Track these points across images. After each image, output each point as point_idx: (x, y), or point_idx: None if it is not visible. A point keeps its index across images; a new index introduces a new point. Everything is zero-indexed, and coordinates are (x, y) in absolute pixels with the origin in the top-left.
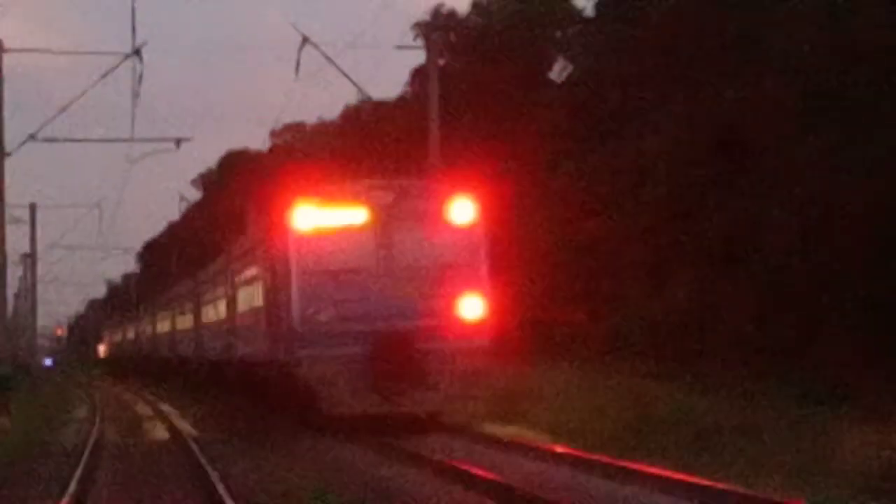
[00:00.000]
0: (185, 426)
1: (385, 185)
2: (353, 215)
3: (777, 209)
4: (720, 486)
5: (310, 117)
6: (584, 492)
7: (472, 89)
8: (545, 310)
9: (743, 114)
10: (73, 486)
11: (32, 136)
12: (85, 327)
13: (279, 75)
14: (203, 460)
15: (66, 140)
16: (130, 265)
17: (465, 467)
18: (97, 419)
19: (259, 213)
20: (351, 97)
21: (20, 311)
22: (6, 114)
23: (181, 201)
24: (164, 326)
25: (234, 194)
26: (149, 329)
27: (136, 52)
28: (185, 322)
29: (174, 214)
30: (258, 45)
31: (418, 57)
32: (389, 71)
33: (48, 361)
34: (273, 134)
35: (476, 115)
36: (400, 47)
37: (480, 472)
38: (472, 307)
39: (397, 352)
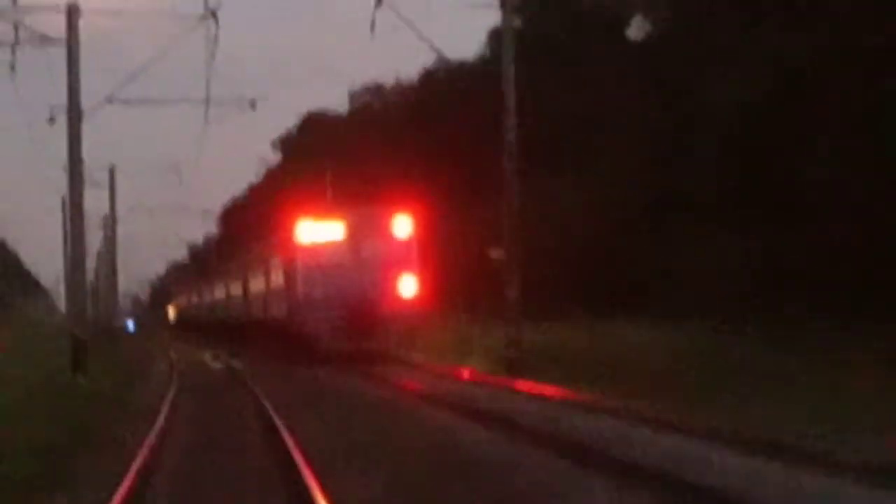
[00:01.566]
0: (236, 364)
1: (355, 209)
2: (334, 230)
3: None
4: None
5: (388, 78)
6: (472, 397)
7: (551, 50)
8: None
9: (815, 59)
10: (171, 392)
11: (109, 99)
12: (164, 290)
13: (355, 36)
14: (247, 380)
15: (141, 101)
16: (211, 227)
17: (399, 382)
18: (174, 366)
19: (280, 225)
20: (429, 58)
21: (101, 274)
22: (83, 76)
23: (261, 163)
24: (220, 293)
25: (316, 156)
26: (208, 295)
27: (212, 13)
28: (237, 290)
29: (254, 177)
30: (333, 4)
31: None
32: (469, 31)
33: (130, 324)
34: (352, 95)
35: (554, 75)
36: (473, 6)
37: (409, 384)
38: (406, 288)
39: (361, 315)
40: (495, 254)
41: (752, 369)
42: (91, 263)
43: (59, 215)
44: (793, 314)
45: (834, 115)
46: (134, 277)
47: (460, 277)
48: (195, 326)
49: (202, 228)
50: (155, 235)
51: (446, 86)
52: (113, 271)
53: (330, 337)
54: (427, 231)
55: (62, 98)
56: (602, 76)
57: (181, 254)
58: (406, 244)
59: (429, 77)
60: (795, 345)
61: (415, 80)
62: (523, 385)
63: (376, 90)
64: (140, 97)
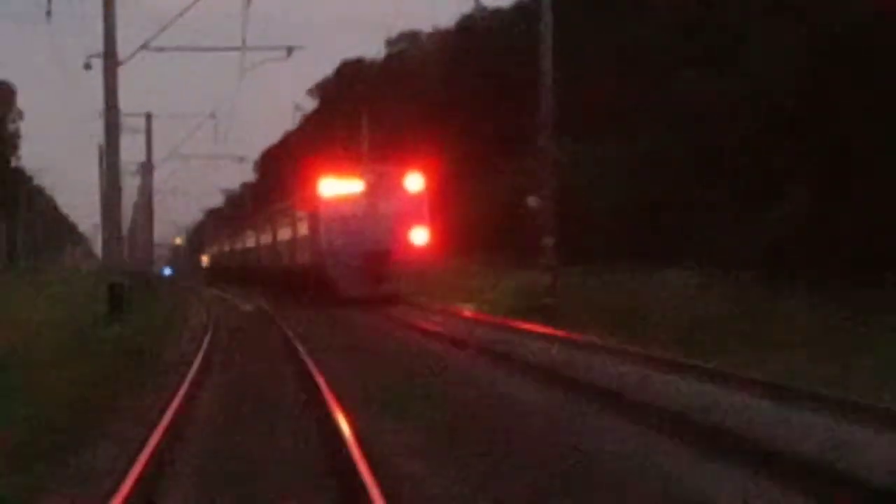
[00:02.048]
0: (264, 305)
1: (372, 168)
2: (353, 186)
3: None
4: None
5: (425, 26)
6: (478, 333)
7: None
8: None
9: (869, 19)
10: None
11: (144, 46)
12: (201, 237)
13: None
14: (275, 318)
15: (177, 49)
16: (248, 174)
17: (410, 321)
18: (208, 310)
19: (304, 182)
20: (466, 4)
21: (138, 221)
22: (118, 24)
23: (297, 111)
24: (251, 242)
25: (352, 104)
26: (239, 244)
27: None
28: (266, 239)
29: (290, 124)
30: None
31: None
32: None
33: (167, 270)
34: (389, 42)
35: (593, 21)
36: None
37: (418, 323)
38: (418, 238)
39: (377, 262)
40: (533, 202)
41: (795, 321)
42: (128, 211)
43: (95, 162)
44: (837, 274)
45: (885, 77)
46: (172, 225)
47: (496, 226)
48: (228, 273)
49: (239, 176)
50: (192, 183)
51: (484, 32)
52: (149, 218)
53: (348, 281)
54: (445, 185)
55: (98, 46)
56: (644, 26)
57: (219, 201)
58: (417, 199)
59: (466, 24)
60: (838, 301)
61: (452, 27)
62: (547, 329)
63: (413, 38)
64: (176, 45)
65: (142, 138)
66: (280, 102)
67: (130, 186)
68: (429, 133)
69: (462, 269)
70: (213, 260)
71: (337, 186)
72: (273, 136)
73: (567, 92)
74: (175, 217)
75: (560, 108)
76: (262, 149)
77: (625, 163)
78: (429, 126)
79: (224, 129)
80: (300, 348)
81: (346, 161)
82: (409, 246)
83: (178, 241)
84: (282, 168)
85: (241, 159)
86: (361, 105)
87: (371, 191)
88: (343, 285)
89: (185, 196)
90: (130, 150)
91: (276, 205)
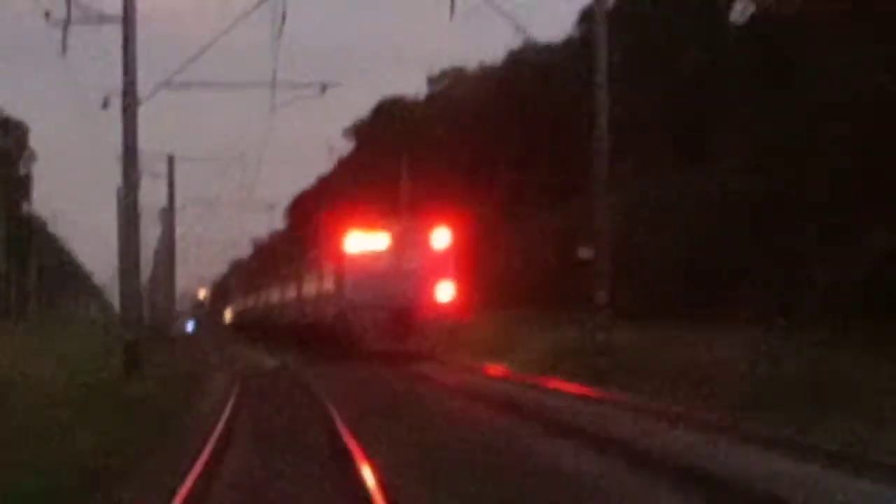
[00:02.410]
0: (289, 359)
1: (398, 222)
2: (379, 240)
3: None
4: None
5: (469, 62)
6: (505, 392)
7: (646, 32)
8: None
9: None
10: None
11: (167, 82)
12: (225, 290)
13: (433, 17)
14: (298, 375)
15: (201, 85)
16: (275, 222)
17: (435, 377)
18: (232, 368)
19: (329, 235)
20: (514, 41)
21: (159, 272)
22: (139, 58)
23: (331, 153)
24: (276, 296)
25: (391, 145)
26: (264, 297)
27: None
28: (291, 293)
29: (323, 168)
30: None
31: None
32: (557, 11)
33: (189, 325)
34: (430, 80)
35: (649, 59)
36: None
37: (444, 380)
38: (443, 294)
39: (402, 317)
40: (584, 253)
41: (866, 386)
42: (148, 262)
43: (113, 208)
44: None
45: None
46: (195, 277)
47: (542, 278)
48: (251, 328)
49: (268, 223)
50: (218, 231)
51: (533, 69)
52: (171, 269)
53: (373, 336)
54: (488, 233)
55: (117, 81)
56: (701, 61)
57: (245, 252)
58: (444, 254)
59: (514, 59)
60: None
61: (498, 62)
62: (613, 396)
63: (457, 74)
64: (200, 80)
65: (163, 182)
66: (313, 144)
67: (151, 235)
68: (473, 177)
69: (504, 324)
70: (237, 315)
71: (362, 240)
72: (305, 181)
73: (623, 133)
74: (199, 268)
75: (615, 151)
76: (294, 194)
77: (689, 202)
78: (473, 169)
79: (252, 172)
80: (333, 412)
81: (377, 211)
82: (434, 302)
83: (202, 294)
84: (314, 215)
85: (271, 206)
86: (401, 146)
87: (396, 245)
88: (367, 340)
89: (209, 246)
90: (151, 195)
91: (301, 259)
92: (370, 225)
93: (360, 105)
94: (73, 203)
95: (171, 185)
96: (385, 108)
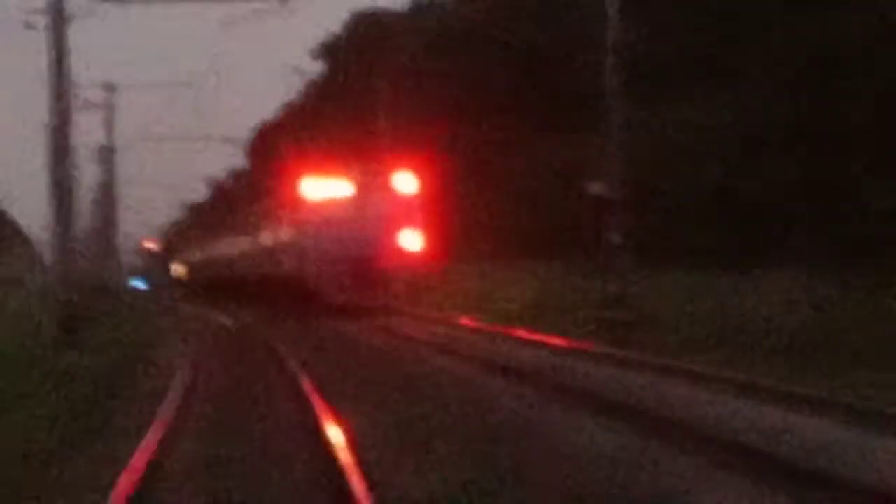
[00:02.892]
0: (248, 319)
1: (359, 164)
2: (338, 186)
3: None
4: None
5: None
6: (460, 339)
7: None
8: None
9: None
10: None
11: None
12: (178, 239)
13: None
14: (258, 336)
15: (143, 0)
16: (236, 160)
17: (398, 329)
18: (185, 328)
19: (285, 181)
20: None
21: (98, 220)
22: None
23: (298, 76)
24: (229, 248)
25: (368, 67)
26: (217, 250)
27: None
28: (245, 244)
29: (289, 95)
30: None
31: None
32: None
33: (138, 282)
34: None
35: None
36: None
37: (406, 332)
38: (409, 243)
39: (364, 268)
40: (595, 188)
41: None
42: (86, 208)
43: (42, 146)
44: None
45: None
46: (143, 226)
47: (544, 220)
48: (205, 283)
49: (227, 162)
50: (168, 172)
51: None
52: (112, 216)
53: (334, 287)
54: (481, 166)
55: None
56: None
57: (201, 195)
58: (409, 200)
59: None
60: None
61: None
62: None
63: None
64: None
65: (101, 115)
66: (276, 67)
67: (89, 177)
68: (462, 105)
69: (500, 274)
70: (189, 269)
71: (320, 186)
72: (269, 111)
73: (637, 48)
74: (147, 216)
75: (630, 68)
76: (256, 127)
77: (711, 134)
78: (463, 96)
79: (206, 101)
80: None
81: (336, 153)
82: (398, 251)
83: (151, 245)
84: (279, 150)
85: (229, 140)
86: (381, 67)
87: (357, 191)
88: (327, 294)
89: (158, 189)
90: (87, 131)
91: (256, 206)
92: (329, 169)
93: (332, 21)
94: None
95: (110, 118)
96: (361, 23)
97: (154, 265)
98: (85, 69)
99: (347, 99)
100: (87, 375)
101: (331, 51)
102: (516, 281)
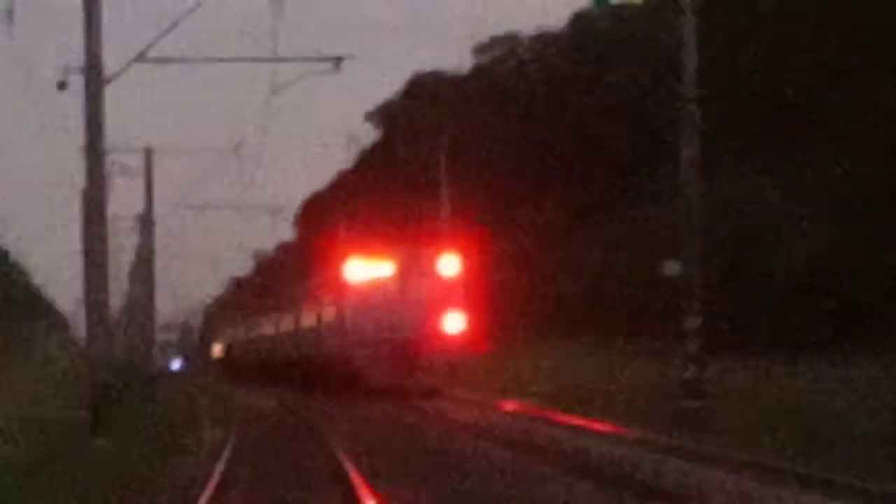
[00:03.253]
0: (287, 399)
1: (403, 246)
2: (382, 267)
3: None
4: None
5: (525, 27)
6: (514, 428)
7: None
8: None
9: None
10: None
11: (141, 56)
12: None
13: None
14: (302, 421)
15: (184, 60)
16: (283, 231)
17: (446, 413)
18: (227, 411)
19: (328, 264)
20: (579, 1)
21: (135, 296)
22: (106, 29)
23: (351, 143)
24: (269, 328)
25: (426, 130)
26: (256, 329)
27: None
28: (288, 325)
29: (343, 163)
30: None
31: None
32: None
33: (175, 363)
34: (477, 49)
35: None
36: None
37: (452, 416)
38: (452, 326)
39: (407, 351)
40: (670, 269)
41: None
42: (123, 284)
43: (76, 218)
44: None
45: None
46: (183, 300)
47: (614, 300)
48: (245, 365)
49: (274, 233)
50: (210, 243)
51: (605, 35)
52: (149, 290)
53: (376, 370)
54: (545, 239)
55: (78, 57)
56: (813, 35)
57: (246, 269)
58: (452, 282)
59: (582, 25)
60: None
61: (562, 28)
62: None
63: (509, 42)
64: (182, 55)
65: (140, 183)
66: (328, 133)
67: (126, 248)
68: (527, 169)
69: (560, 358)
70: (228, 349)
71: (364, 269)
72: (319, 180)
73: (714, 124)
74: (188, 291)
75: (709, 137)
76: (305, 196)
77: (798, 214)
78: (528, 160)
79: (252, 169)
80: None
81: (380, 236)
82: (440, 334)
83: (192, 324)
84: (330, 221)
85: (276, 211)
86: (439, 133)
87: (401, 274)
88: (370, 375)
89: (200, 262)
90: (125, 199)
91: (299, 286)
92: (373, 251)
93: (388, 84)
94: (27, 211)
95: (148, 184)
96: (418, 85)
97: (193, 345)
98: (122, 134)
99: (402, 165)
100: (116, 464)
101: (386, 116)
102: (581, 364)
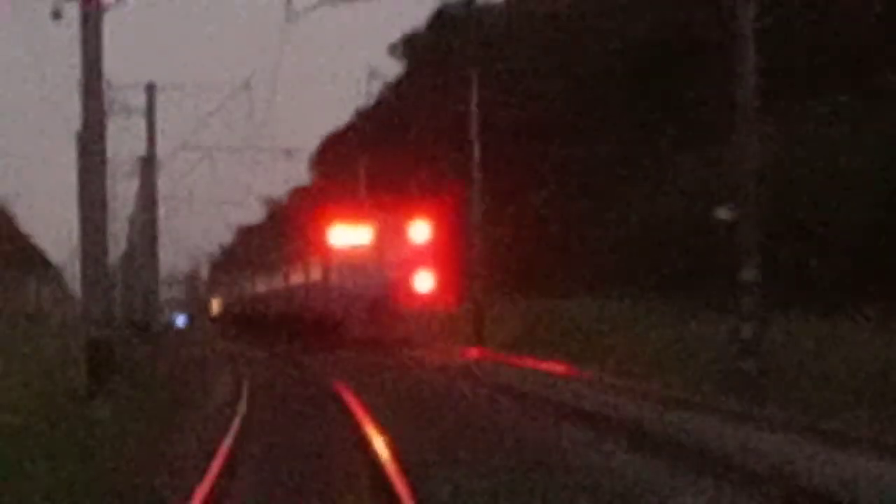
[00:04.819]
0: (280, 348)
1: (379, 215)
2: (362, 233)
3: None
4: None
5: None
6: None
7: None
8: None
9: None
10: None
11: None
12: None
13: None
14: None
15: None
16: (298, 175)
17: (420, 357)
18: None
19: (315, 228)
20: None
21: (136, 245)
22: None
23: (372, 79)
24: (263, 286)
25: (456, 66)
26: (252, 288)
27: None
28: (279, 285)
29: (363, 99)
30: None
31: None
32: None
33: (180, 319)
34: None
35: None
36: None
37: (427, 360)
38: (424, 284)
39: (385, 306)
40: (724, 214)
41: None
42: (122, 232)
43: (71, 161)
44: None
45: None
46: (188, 252)
47: (666, 248)
48: (242, 323)
49: (289, 177)
50: (219, 188)
51: None
52: (152, 240)
53: (357, 323)
54: (587, 188)
55: None
56: None
57: (258, 216)
58: (423, 247)
59: None
60: None
61: None
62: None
63: None
64: None
65: (141, 122)
66: (347, 68)
67: (126, 194)
68: (573, 108)
69: (614, 313)
70: (226, 307)
71: (346, 234)
72: (337, 119)
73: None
74: (194, 240)
75: (767, 71)
76: (321, 137)
77: (871, 142)
78: (573, 98)
79: (263, 108)
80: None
81: (359, 204)
82: (414, 292)
83: (196, 276)
84: (351, 163)
85: (291, 153)
86: (469, 68)
87: (379, 237)
88: (352, 327)
89: (207, 209)
90: (125, 139)
91: (287, 248)
92: (354, 218)
93: (412, 13)
94: (18, 155)
95: (150, 124)
96: (447, 15)
97: (199, 298)
98: (123, 68)
99: (428, 103)
100: (116, 436)
101: (411, 48)
102: (630, 322)
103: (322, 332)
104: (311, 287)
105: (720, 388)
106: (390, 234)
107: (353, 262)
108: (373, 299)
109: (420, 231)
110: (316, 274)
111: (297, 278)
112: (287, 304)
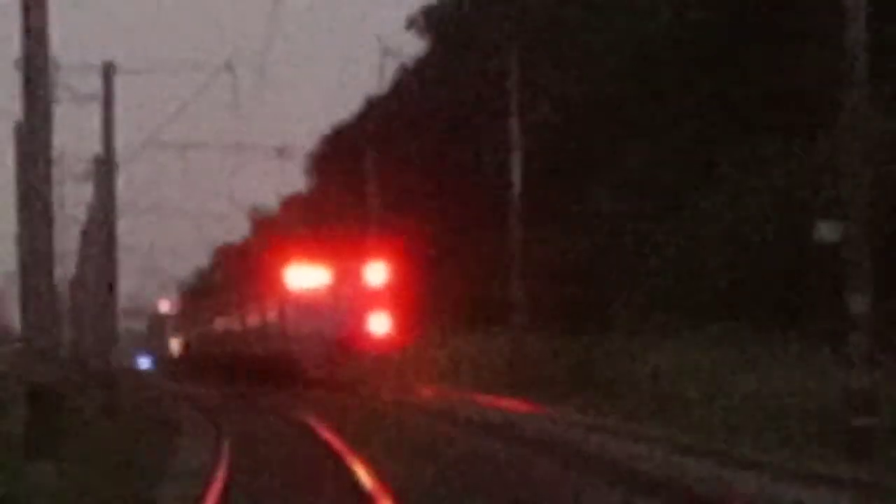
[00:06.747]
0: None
1: (336, 260)
2: (319, 275)
3: None
4: None
5: None
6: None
7: None
8: None
9: None
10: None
11: None
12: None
13: None
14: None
15: None
16: (292, 179)
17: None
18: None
19: (272, 268)
20: None
21: (89, 265)
22: None
23: (386, 58)
24: (223, 326)
25: (489, 39)
26: (210, 329)
27: None
28: (237, 325)
29: (374, 85)
30: None
31: None
32: None
33: (143, 360)
34: None
35: None
36: None
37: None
38: (379, 327)
39: (339, 348)
40: (827, 232)
41: None
42: (72, 247)
43: (8, 157)
44: None
45: None
46: (157, 277)
47: (751, 270)
48: (202, 364)
49: (284, 180)
50: (196, 197)
51: None
52: (110, 260)
53: (312, 363)
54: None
55: None
56: None
57: (240, 231)
58: (379, 289)
59: None
60: None
61: None
62: None
63: None
64: None
65: (97, 111)
66: (355, 46)
67: (78, 201)
68: (633, 80)
69: (684, 350)
70: (186, 347)
71: (303, 275)
72: (343, 108)
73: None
74: (162, 262)
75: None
76: (322, 132)
77: None
78: (628, 80)
79: (251, 94)
80: None
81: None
82: (369, 334)
83: (163, 307)
84: (359, 164)
85: (282, 152)
86: (507, 44)
87: (336, 280)
88: (306, 367)
89: (179, 222)
90: (77, 134)
91: (255, 284)
92: (310, 261)
93: None
94: None
95: (109, 115)
96: None
97: (165, 337)
98: (76, 46)
99: (455, 88)
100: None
101: (435, 22)
102: (698, 366)
103: (279, 374)
104: (270, 327)
105: (829, 451)
106: (348, 277)
107: (310, 305)
108: (329, 340)
109: (376, 274)
110: (273, 315)
111: (254, 320)
112: (246, 345)
